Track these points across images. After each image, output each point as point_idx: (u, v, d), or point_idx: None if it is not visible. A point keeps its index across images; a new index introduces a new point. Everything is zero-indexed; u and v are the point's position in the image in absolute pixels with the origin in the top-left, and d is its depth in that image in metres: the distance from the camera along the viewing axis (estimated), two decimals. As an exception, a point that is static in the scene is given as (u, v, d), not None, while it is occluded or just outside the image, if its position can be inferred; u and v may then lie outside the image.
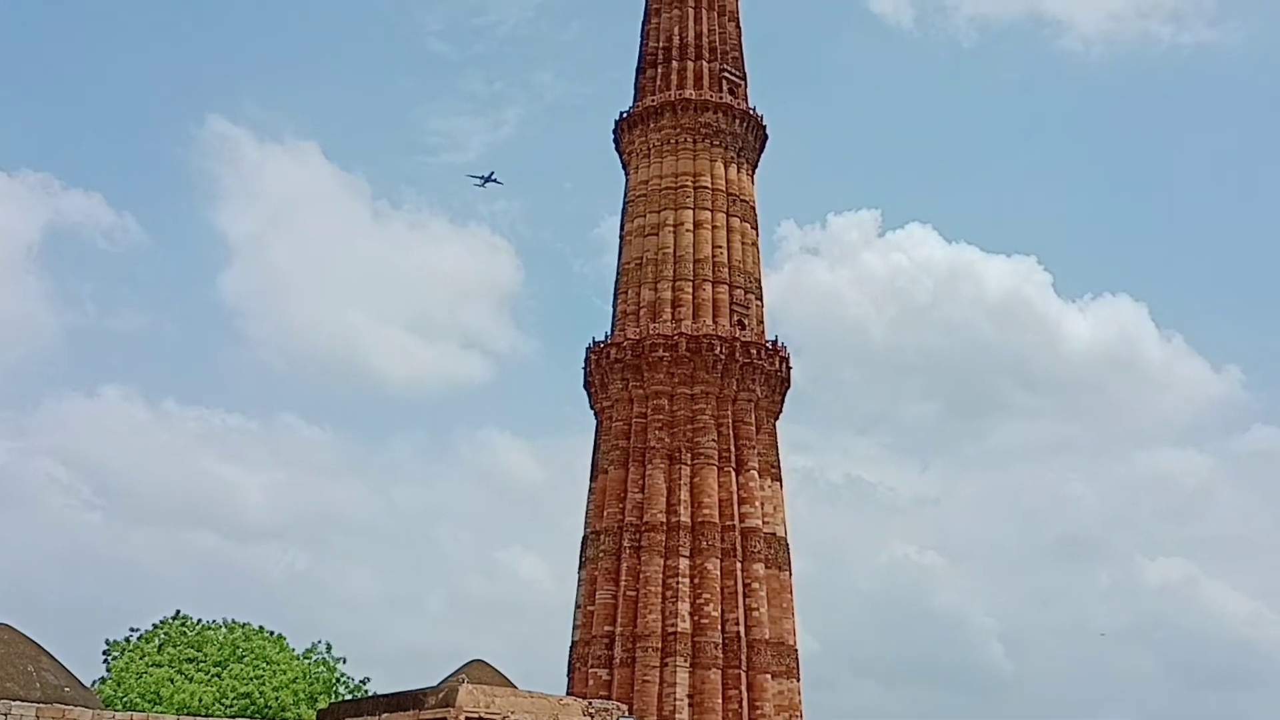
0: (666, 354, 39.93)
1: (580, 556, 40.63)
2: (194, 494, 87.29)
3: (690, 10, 44.06)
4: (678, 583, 37.84)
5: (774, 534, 39.88)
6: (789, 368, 41.87)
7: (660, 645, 37.18)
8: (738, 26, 45.01)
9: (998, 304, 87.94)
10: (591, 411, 42.45)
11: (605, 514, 39.75)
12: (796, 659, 39.17)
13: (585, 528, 40.83)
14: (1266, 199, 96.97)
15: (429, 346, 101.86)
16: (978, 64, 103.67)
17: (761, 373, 40.61)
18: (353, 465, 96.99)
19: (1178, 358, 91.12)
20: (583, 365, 42.20)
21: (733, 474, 39.54)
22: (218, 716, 36.15)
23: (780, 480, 41.11)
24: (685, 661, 37.09)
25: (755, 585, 38.56)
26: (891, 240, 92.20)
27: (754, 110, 43.52)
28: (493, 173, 69.28)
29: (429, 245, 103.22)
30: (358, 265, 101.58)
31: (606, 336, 41.93)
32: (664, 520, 38.60)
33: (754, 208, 43.34)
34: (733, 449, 39.77)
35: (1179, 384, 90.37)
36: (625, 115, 43.90)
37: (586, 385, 42.30)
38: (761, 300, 42.36)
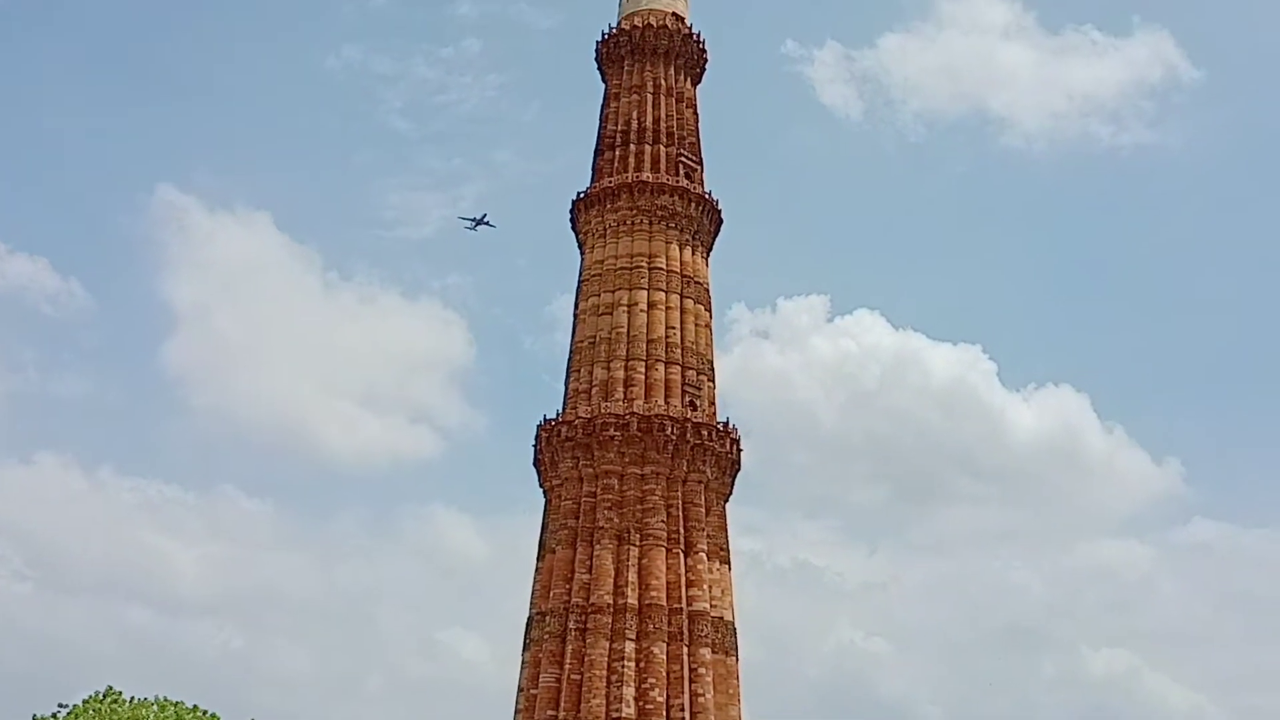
0: (618, 433, 39.79)
1: (524, 638, 39.94)
2: (128, 566, 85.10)
3: (649, 96, 44.81)
4: (623, 667, 37.25)
5: (721, 618, 39.49)
6: (740, 450, 41.88)
7: (604, 731, 36.45)
8: (695, 113, 45.82)
9: (943, 392, 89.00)
10: (540, 490, 42.10)
11: (551, 595, 39.19)
12: (742, 747, 38.55)
13: (530, 609, 40.20)
14: (1204, 296, 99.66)
15: (377, 420, 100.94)
16: (924, 157, 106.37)
17: (712, 454, 40.57)
18: (293, 540, 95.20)
19: (1119, 449, 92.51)
20: (533, 443, 41.93)
21: (681, 556, 39.22)
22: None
23: (729, 563, 40.86)
24: (629, 748, 36.36)
25: (702, 671, 38.05)
26: (840, 326, 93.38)
27: (710, 195, 44.11)
28: (485, 215, 67.70)
29: (380, 318, 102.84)
30: (306, 337, 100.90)
31: (558, 414, 41.76)
32: (611, 602, 38.11)
33: (708, 290, 43.69)
34: (682, 531, 39.51)
35: (1120, 476, 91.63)
36: (583, 195, 44.30)
37: (536, 463, 41.99)
38: (714, 382, 42.50)
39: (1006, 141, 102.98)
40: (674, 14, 46.43)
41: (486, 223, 67.47)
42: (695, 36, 46.25)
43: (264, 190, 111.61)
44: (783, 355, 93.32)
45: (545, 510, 41.58)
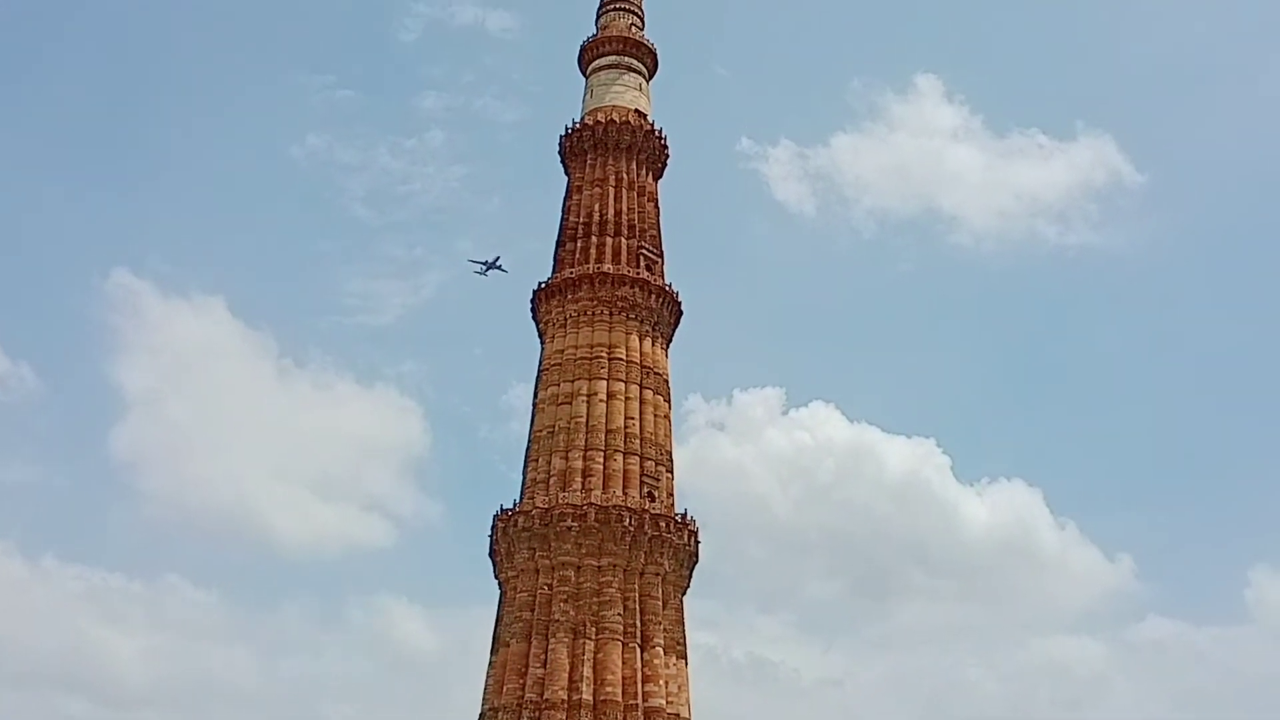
0: (575, 524, 39.45)
1: (477, 734, 38.95)
2: (68, 657, 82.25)
3: (612, 189, 45.46)
4: (578, 765, 36.38)
5: (677, 715, 38.80)
6: (698, 542, 41.65)
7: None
8: (656, 207, 46.51)
9: (898, 485, 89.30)
10: (496, 581, 41.49)
11: (505, 690, 38.36)
12: None
13: (483, 704, 39.29)
14: (1151, 394, 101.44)
15: (329, 508, 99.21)
16: (877, 253, 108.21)
17: (670, 546, 40.29)
18: (238, 630, 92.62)
19: (1072, 545, 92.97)
20: (490, 533, 41.44)
21: (638, 651, 38.66)
22: None
23: (685, 658, 40.31)
24: None
25: (658, 769, 37.26)
26: (795, 418, 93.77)
27: (670, 287, 44.54)
28: (498, 258, 62.94)
29: (334, 405, 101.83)
30: (259, 423, 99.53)
31: (515, 504, 41.37)
32: (565, 698, 37.36)
33: (667, 381, 43.85)
34: (639, 625, 39.00)
35: (1073, 572, 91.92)
36: (544, 285, 44.56)
37: (492, 554, 41.46)
38: (672, 473, 42.41)
39: (956, 240, 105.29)
40: (637, 110, 47.39)
41: (499, 267, 63.04)
42: (657, 133, 47.16)
43: (219, 276, 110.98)
44: (738, 447, 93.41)
45: (500, 602, 40.92)
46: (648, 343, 43.42)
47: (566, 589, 39.02)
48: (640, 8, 50.63)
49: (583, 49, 49.31)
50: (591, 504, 39.69)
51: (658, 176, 47.26)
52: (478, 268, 63.68)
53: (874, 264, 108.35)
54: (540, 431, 42.36)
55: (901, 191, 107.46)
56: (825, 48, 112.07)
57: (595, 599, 38.84)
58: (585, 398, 41.92)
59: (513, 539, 40.28)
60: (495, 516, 41.44)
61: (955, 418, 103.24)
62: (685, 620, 40.97)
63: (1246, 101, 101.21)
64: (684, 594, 41.34)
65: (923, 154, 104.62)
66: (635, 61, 48.63)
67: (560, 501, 39.94)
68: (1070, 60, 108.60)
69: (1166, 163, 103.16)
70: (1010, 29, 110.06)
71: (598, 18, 50.48)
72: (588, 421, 41.50)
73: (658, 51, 49.33)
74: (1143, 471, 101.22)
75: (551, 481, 40.90)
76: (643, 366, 42.87)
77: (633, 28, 49.59)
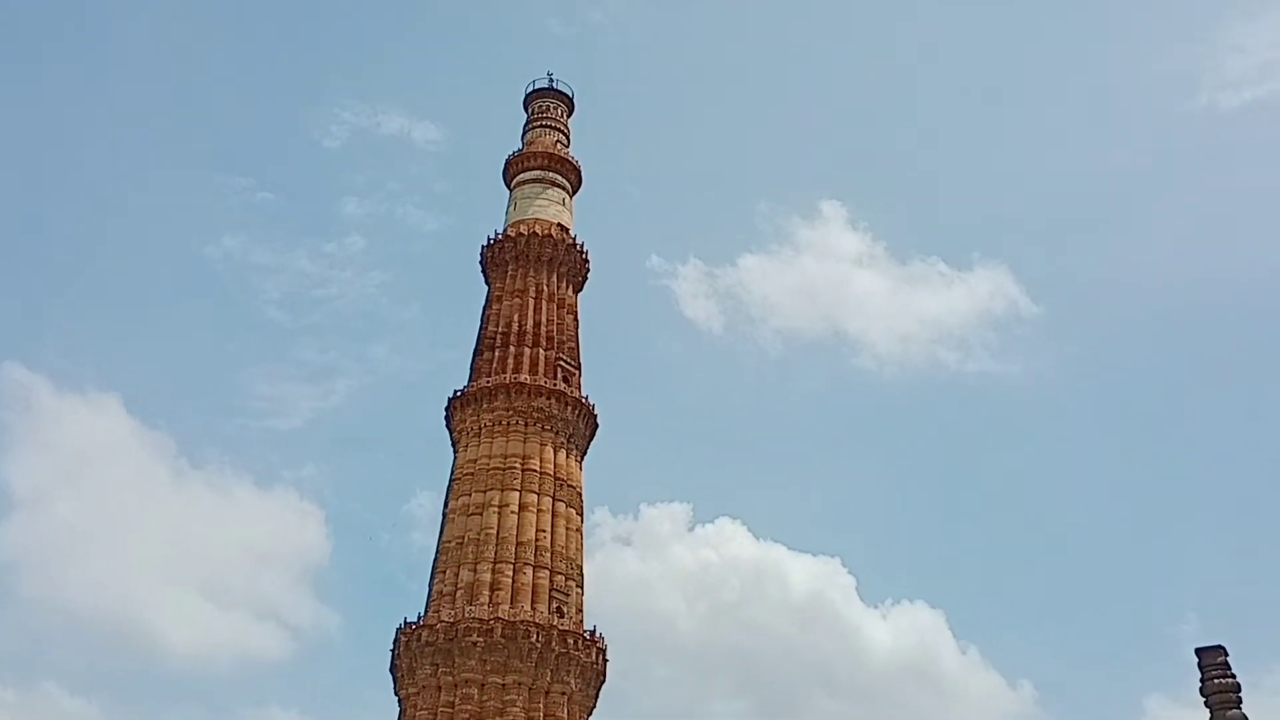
0: (480, 639, 38.45)
1: None
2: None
3: (531, 300, 45.66)
4: None
5: (580, 842, 37.54)
6: (605, 660, 40.85)
7: None
8: (576, 319, 46.76)
9: (803, 605, 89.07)
10: (395, 697, 40.04)
11: (400, 813, 36.75)
12: None
13: (376, 829, 37.55)
14: (1050, 520, 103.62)
15: (222, 616, 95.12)
16: (784, 373, 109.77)
17: (578, 664, 39.44)
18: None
19: (974, 670, 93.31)
20: (391, 646, 40.15)
21: (540, 774, 37.48)
22: None
23: (590, 782, 39.20)
24: None
25: None
26: (701, 535, 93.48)
27: (586, 399, 44.54)
28: None
29: (230, 508, 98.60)
30: (151, 525, 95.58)
31: (419, 617, 40.24)
32: (464, 823, 35.90)
33: (580, 494, 43.50)
34: (543, 746, 37.89)
35: (975, 697, 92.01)
36: (459, 394, 44.20)
37: (393, 668, 40.10)
38: (582, 588, 41.76)
39: (860, 363, 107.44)
40: (560, 224, 48.00)
41: None
42: (579, 247, 47.72)
43: (117, 372, 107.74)
44: (644, 563, 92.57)
45: (399, 720, 39.46)
46: (562, 455, 43.16)
47: (469, 707, 37.80)
48: (566, 125, 51.76)
49: (508, 162, 50.05)
50: (499, 619, 38.79)
51: (578, 290, 47.67)
52: None
53: (781, 383, 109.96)
54: (449, 542, 41.53)
55: (808, 313, 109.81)
56: (734, 171, 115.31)
57: (498, 719, 37.68)
58: (497, 509, 41.32)
59: (415, 654, 39.06)
60: (398, 630, 40.22)
61: (860, 538, 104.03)
62: (590, 742, 39.95)
63: (1137, 240, 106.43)
64: (590, 715, 40.35)
65: (828, 278, 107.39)
66: (559, 177, 49.48)
67: (466, 615, 38.96)
68: (967, 193, 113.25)
69: (1060, 295, 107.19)
70: (910, 161, 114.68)
71: (523, 133, 51.42)
72: (498, 533, 40.82)
73: (582, 168, 50.31)
74: (1042, 597, 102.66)
75: (458, 594, 39.95)
76: (556, 478, 42.52)
77: (558, 144, 50.58)
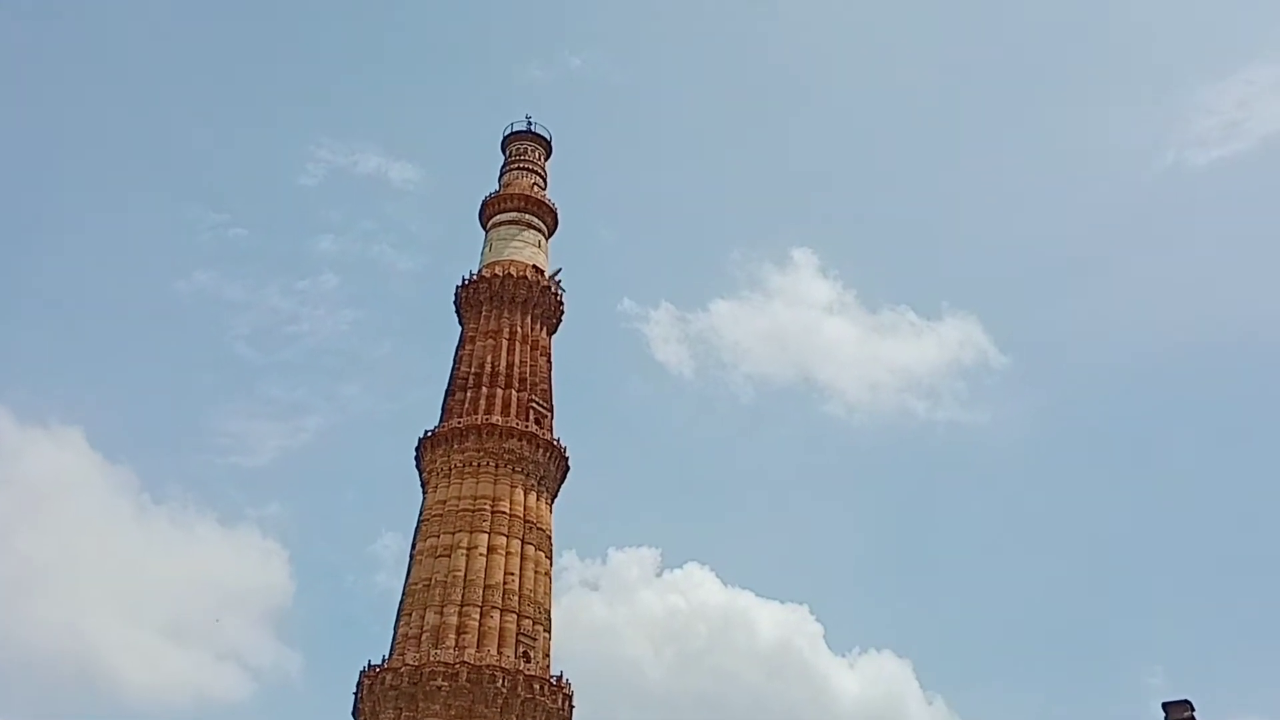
0: (445, 683, 37.95)
1: None
2: None
3: (505, 341, 45.60)
4: None
5: None
6: (572, 706, 40.39)
7: None
8: (549, 361, 46.70)
9: (770, 653, 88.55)
10: (357, 742, 39.42)
11: None
12: None
13: None
14: (1017, 570, 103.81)
15: (181, 655, 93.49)
16: (754, 418, 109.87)
17: (544, 710, 38.97)
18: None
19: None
20: (355, 689, 39.57)
21: (504, 822, 36.90)
22: None
23: (553, 831, 38.60)
24: None
25: None
26: (669, 580, 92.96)
27: (558, 441, 44.37)
28: (558, 271, 55.14)
29: (192, 545, 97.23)
30: (111, 561, 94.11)
31: (384, 660, 39.71)
32: None
33: (550, 537, 43.21)
34: (506, 794, 37.34)
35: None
36: (430, 434, 43.95)
37: (355, 711, 39.47)
38: (550, 633, 41.37)
39: (829, 410, 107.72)
40: (534, 266, 48.08)
41: (556, 283, 55.11)
42: (554, 289, 47.76)
43: (81, 406, 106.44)
44: (611, 608, 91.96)
45: (360, 765, 38.81)
46: (532, 497, 42.91)
47: (432, 753, 37.27)
48: (543, 168, 52.01)
49: (484, 204, 50.19)
50: (464, 663, 38.34)
51: (551, 332, 47.66)
52: None
53: (751, 429, 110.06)
54: (416, 584, 41.09)
55: (778, 359, 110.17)
56: (706, 217, 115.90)
57: (462, 764, 37.16)
58: (465, 551, 40.96)
59: (379, 697, 38.50)
60: (361, 672, 39.67)
61: (828, 585, 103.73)
62: (555, 790, 39.39)
63: (1105, 293, 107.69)
64: (555, 761, 39.85)
65: (799, 324, 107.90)
66: (535, 219, 49.64)
67: (431, 659, 38.50)
68: (937, 244, 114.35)
69: (1029, 346, 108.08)
70: (880, 211, 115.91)
71: (501, 174, 51.62)
72: (466, 576, 40.45)
73: (558, 211, 50.52)
74: (1009, 648, 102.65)
75: (424, 637, 39.48)
76: (526, 521, 42.25)
77: (535, 186, 50.79)
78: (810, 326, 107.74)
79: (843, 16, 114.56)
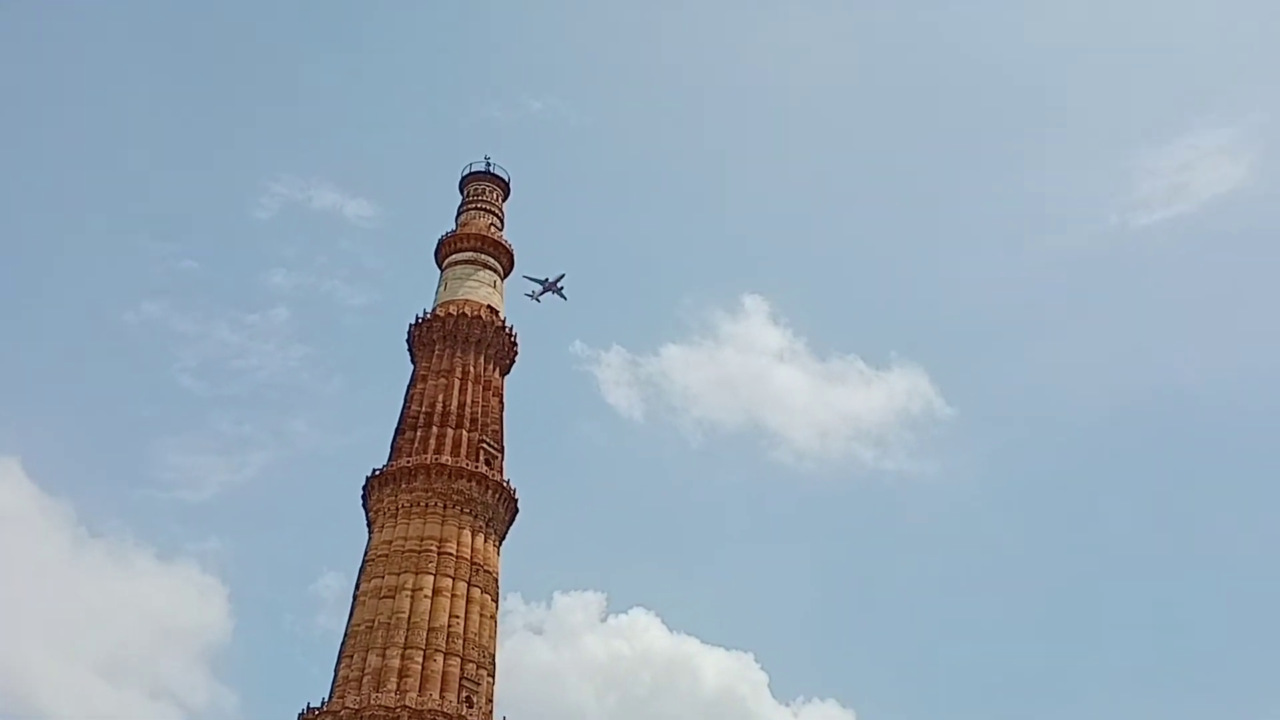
0: (386, 728, 37.31)
1: None
2: None
3: (457, 381, 45.31)
4: None
5: None
6: (514, 754, 39.88)
7: None
8: (501, 402, 46.44)
9: (714, 700, 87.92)
10: (292, 788, 38.56)
11: None
12: None
13: None
14: (960, 621, 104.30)
15: (115, 694, 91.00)
16: (703, 463, 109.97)
17: (485, 757, 38.43)
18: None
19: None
20: (292, 733, 38.76)
21: None
22: None
23: None
24: None
25: None
26: (614, 626, 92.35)
27: (508, 483, 44.03)
28: (561, 277, 54.07)
29: (130, 580, 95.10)
30: (45, 595, 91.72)
31: (323, 703, 38.92)
32: None
33: (497, 580, 42.75)
34: (444, 842, 36.63)
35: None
36: (378, 473, 43.42)
37: (292, 756, 38.66)
38: (494, 677, 40.81)
39: (778, 456, 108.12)
40: (489, 306, 47.96)
41: (558, 290, 54.19)
42: (508, 330, 47.65)
43: (18, 435, 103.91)
44: (555, 653, 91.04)
45: (295, 811, 37.94)
46: (480, 539, 42.49)
47: (370, 799, 36.51)
48: (501, 209, 52.10)
49: (441, 242, 50.10)
50: (405, 707, 37.68)
51: (504, 372, 47.47)
52: (534, 287, 54.03)
53: (700, 474, 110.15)
54: (358, 626, 40.41)
55: (729, 405, 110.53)
56: (660, 262, 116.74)
57: (400, 811, 36.43)
58: (410, 593, 40.39)
59: (316, 741, 37.72)
60: (300, 715, 38.87)
61: (774, 633, 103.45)
62: (494, 839, 38.75)
63: (1050, 349, 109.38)
64: (496, 809, 39.24)
65: (749, 371, 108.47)
66: (491, 259, 49.61)
67: (372, 703, 37.79)
68: (887, 294, 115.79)
69: (974, 399, 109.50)
70: (832, 260, 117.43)
71: (458, 214, 51.61)
72: (410, 618, 39.86)
73: (514, 252, 50.52)
74: (953, 698, 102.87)
75: (365, 680, 38.78)
76: (473, 563, 41.78)
77: (491, 227, 50.82)
78: (760, 373, 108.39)
79: (798, 69, 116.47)
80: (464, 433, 44.12)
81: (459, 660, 39.76)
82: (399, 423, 45.13)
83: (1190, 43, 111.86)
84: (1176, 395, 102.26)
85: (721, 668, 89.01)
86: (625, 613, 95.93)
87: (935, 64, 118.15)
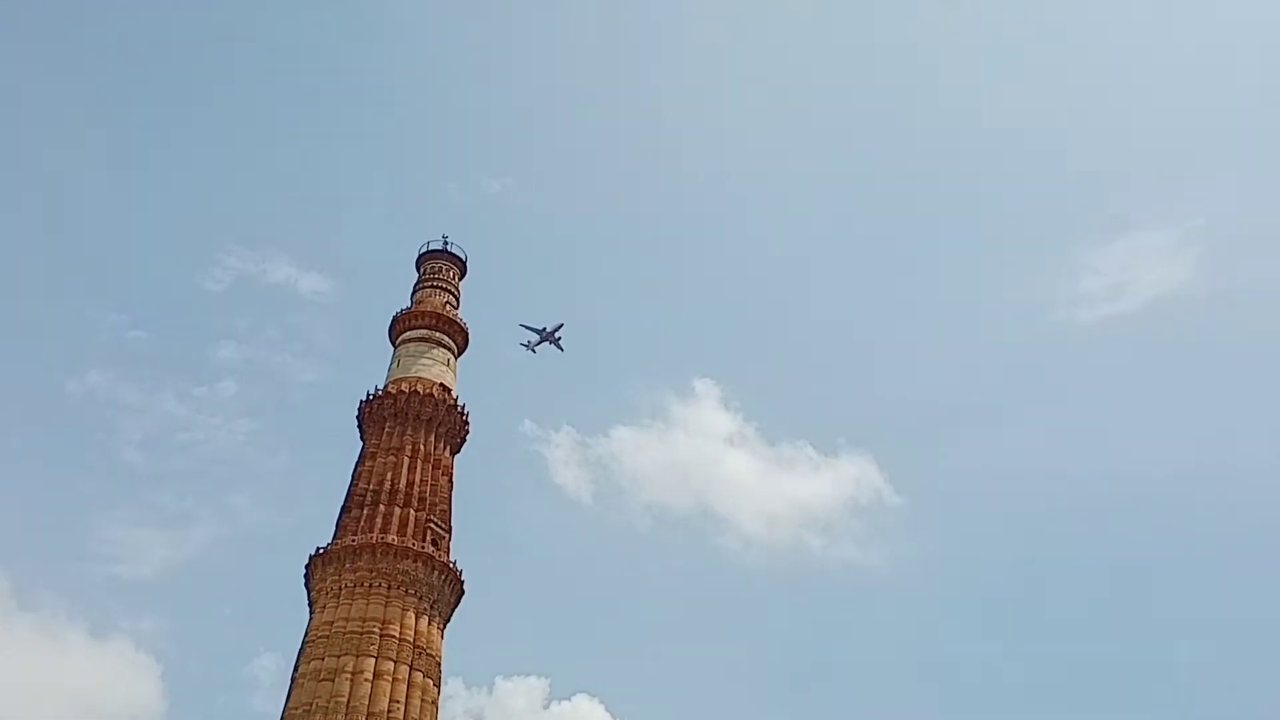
0: (319, 817, 36.11)
1: None
2: None
3: (407, 459, 44.80)
4: None
5: None
6: (451, 846, 38.69)
7: None
8: (450, 482, 45.91)
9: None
10: None
11: None
12: None
13: None
14: (906, 714, 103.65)
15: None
16: (650, 547, 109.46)
17: None
18: None
19: None
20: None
21: None
22: None
23: None
24: None
25: None
26: (557, 713, 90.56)
27: (454, 564, 43.38)
28: (560, 326, 52.91)
29: (60, 657, 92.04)
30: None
31: (255, 790, 37.68)
32: None
33: (439, 664, 41.82)
34: None
35: None
36: (321, 551, 42.57)
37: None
38: (433, 766, 39.78)
39: (725, 541, 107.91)
40: (442, 384, 47.69)
41: (555, 341, 53.01)
42: (460, 409, 47.34)
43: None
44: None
45: None
46: (424, 621, 41.64)
47: None
48: (457, 287, 52.14)
49: (395, 319, 49.96)
50: (341, 795, 36.56)
51: (455, 451, 47.04)
52: (530, 336, 52.94)
53: (647, 558, 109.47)
54: (295, 709, 39.23)
55: (678, 489, 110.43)
56: (611, 344, 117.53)
57: None
58: (350, 676, 39.35)
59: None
60: (230, 803, 37.53)
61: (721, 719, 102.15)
62: None
63: (997, 439, 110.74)
64: None
65: (699, 455, 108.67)
66: (446, 338, 49.50)
67: (306, 791, 36.62)
68: (836, 382, 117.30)
69: (922, 488, 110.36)
70: (784, 347, 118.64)
71: (414, 291, 51.57)
72: (349, 702, 38.76)
73: (470, 331, 50.48)
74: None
75: (300, 766, 37.60)
76: (416, 646, 40.88)
77: (447, 305, 50.79)
78: (710, 457, 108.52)
79: (753, 159, 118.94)
80: (411, 512, 43.50)
81: (398, 747, 38.68)
82: (345, 500, 44.42)
83: (1136, 148, 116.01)
84: (1122, 484, 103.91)
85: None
86: (569, 699, 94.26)
87: (890, 159, 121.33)
